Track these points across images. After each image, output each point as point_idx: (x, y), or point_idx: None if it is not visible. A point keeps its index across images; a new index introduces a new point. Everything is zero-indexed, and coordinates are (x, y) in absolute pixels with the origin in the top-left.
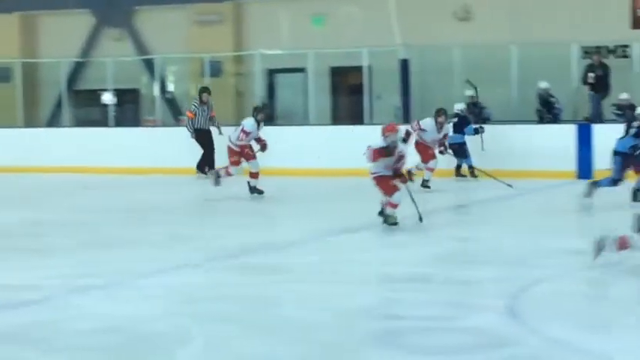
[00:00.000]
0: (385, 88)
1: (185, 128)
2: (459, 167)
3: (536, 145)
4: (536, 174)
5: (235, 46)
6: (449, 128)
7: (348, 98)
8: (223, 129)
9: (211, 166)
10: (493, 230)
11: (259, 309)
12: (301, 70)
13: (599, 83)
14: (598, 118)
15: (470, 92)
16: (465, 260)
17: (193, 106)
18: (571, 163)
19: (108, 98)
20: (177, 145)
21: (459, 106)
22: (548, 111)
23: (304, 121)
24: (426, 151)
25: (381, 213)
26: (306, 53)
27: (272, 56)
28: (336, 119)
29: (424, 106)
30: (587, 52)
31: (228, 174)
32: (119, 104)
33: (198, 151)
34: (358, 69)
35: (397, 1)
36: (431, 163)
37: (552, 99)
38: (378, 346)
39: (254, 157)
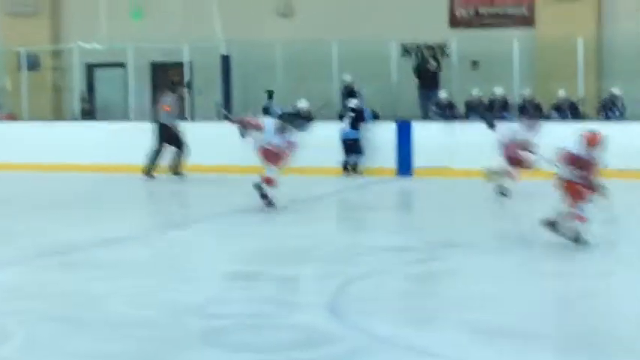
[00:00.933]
0: (206, 84)
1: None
2: (346, 164)
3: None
4: (361, 172)
5: (52, 40)
6: None
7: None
8: (45, 124)
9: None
10: (316, 227)
11: (83, 306)
12: (121, 65)
13: (429, 79)
14: (427, 114)
15: None
16: (290, 257)
17: (168, 99)
18: (391, 160)
19: None
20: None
21: (354, 102)
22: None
23: (124, 116)
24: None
25: (551, 224)
26: (126, 48)
27: (91, 50)
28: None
29: (247, 101)
30: (406, 49)
31: (269, 181)
32: None
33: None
34: (179, 64)
35: None
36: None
37: (354, 91)
38: (201, 344)
39: (276, 160)
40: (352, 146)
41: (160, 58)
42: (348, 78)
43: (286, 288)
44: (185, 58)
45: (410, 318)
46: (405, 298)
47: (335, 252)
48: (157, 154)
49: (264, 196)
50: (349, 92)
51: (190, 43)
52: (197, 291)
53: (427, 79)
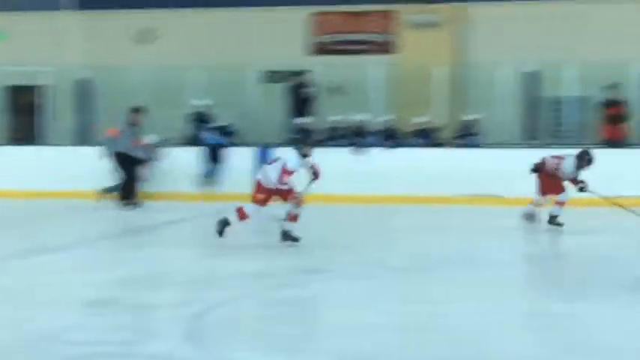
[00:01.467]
0: (63, 108)
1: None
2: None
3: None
4: (219, 197)
5: None
6: None
7: (24, 118)
8: None
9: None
10: (175, 252)
11: None
12: None
13: (301, 105)
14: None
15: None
16: (147, 284)
17: (120, 125)
18: (248, 186)
19: None
20: None
21: (228, 121)
22: (201, 128)
23: None
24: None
25: None
26: None
27: None
28: (12, 139)
29: (106, 127)
30: (273, 76)
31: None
32: None
33: None
34: (36, 88)
35: (79, 21)
36: (562, 196)
37: (206, 117)
38: None
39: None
40: (216, 153)
41: (16, 81)
42: (197, 103)
43: (143, 315)
44: (42, 82)
45: (270, 344)
46: (265, 325)
47: (193, 278)
48: (124, 182)
49: (286, 235)
50: (202, 118)
51: (48, 67)
52: (53, 318)
53: (298, 105)
